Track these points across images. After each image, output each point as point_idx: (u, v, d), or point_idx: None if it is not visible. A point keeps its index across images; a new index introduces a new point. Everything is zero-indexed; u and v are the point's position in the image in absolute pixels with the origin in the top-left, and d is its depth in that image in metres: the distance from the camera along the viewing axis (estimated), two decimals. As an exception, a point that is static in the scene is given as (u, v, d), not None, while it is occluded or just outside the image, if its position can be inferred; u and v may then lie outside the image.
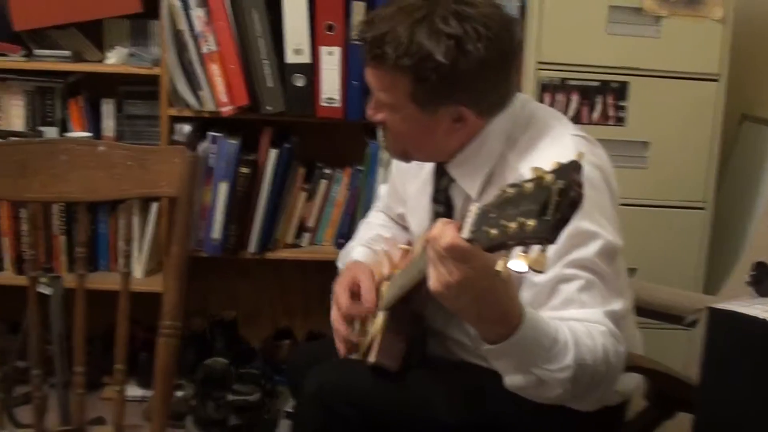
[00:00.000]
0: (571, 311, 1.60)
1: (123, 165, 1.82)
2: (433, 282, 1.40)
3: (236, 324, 3.42)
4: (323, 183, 3.15)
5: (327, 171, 3.15)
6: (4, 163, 1.81)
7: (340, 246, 3.15)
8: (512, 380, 1.56)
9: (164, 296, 1.84)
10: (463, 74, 1.66)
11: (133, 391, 3.18)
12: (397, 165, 2.10)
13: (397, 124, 1.78)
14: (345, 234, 3.13)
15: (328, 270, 3.20)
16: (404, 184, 2.05)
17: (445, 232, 1.34)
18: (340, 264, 2.14)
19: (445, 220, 1.38)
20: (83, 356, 1.95)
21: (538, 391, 1.56)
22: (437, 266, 1.38)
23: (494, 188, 1.71)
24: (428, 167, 1.94)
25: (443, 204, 1.89)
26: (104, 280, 3.12)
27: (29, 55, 3.10)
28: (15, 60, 3.09)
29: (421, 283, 1.54)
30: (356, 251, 2.10)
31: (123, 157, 1.83)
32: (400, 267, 1.92)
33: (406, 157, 1.88)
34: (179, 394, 3.09)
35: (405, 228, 2.12)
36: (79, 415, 1.94)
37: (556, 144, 1.73)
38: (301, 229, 3.20)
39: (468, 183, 1.81)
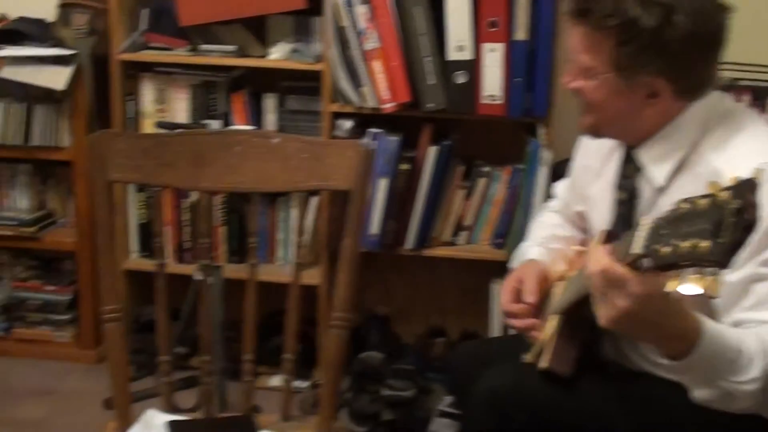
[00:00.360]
0: (764, 313, 1.53)
1: (297, 157, 1.83)
2: (602, 318, 1.40)
3: (390, 320, 3.42)
4: (482, 181, 3.12)
5: (486, 169, 3.12)
6: (181, 153, 1.84)
7: (497, 246, 3.12)
8: (699, 394, 1.52)
9: (336, 289, 1.84)
10: (666, 44, 1.62)
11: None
12: (579, 162, 2.06)
13: (592, 91, 1.74)
14: (502, 234, 3.10)
15: (483, 269, 3.20)
16: (585, 186, 2.00)
17: (597, 257, 1.32)
18: (515, 265, 2.11)
19: (597, 245, 1.36)
20: (252, 344, 1.95)
21: (727, 404, 1.51)
22: (602, 300, 1.37)
23: (684, 179, 1.67)
24: (613, 165, 1.89)
25: (627, 191, 1.83)
26: (263, 272, 3.16)
27: (195, 49, 3.17)
28: (181, 54, 3.16)
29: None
30: (531, 251, 2.07)
31: (297, 149, 1.84)
32: (575, 268, 1.87)
33: (596, 132, 1.83)
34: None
35: (582, 229, 2.07)
36: (246, 402, 1.96)
37: (755, 140, 1.67)
38: (458, 227, 3.18)
39: (657, 169, 1.74)
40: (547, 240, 2.08)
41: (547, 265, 1.98)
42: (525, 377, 1.83)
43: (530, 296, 1.90)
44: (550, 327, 1.84)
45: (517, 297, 1.93)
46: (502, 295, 1.96)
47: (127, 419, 1.86)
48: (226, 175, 1.84)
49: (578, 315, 1.74)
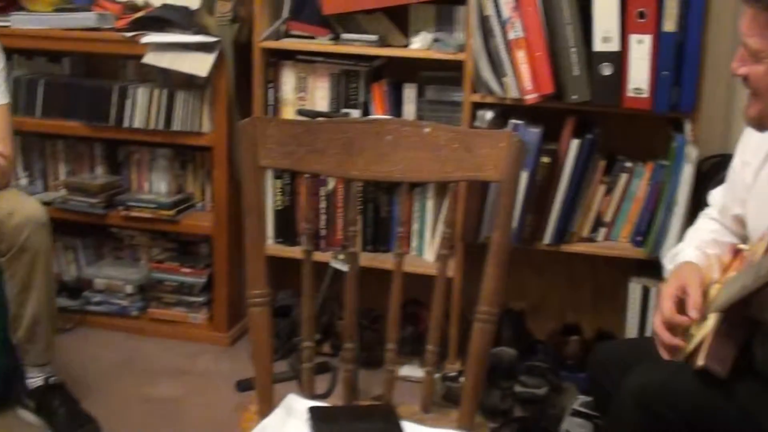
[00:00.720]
0: None
1: (449, 147, 1.80)
2: None
3: (524, 315, 3.37)
4: (623, 177, 3.04)
5: (628, 164, 3.04)
6: (331, 141, 1.83)
7: (636, 244, 3.04)
8: None
9: (483, 282, 1.81)
10: None
11: (417, 372, 3.19)
12: (737, 159, 1.98)
13: (759, 77, 1.68)
14: (642, 232, 3.02)
15: (621, 267, 3.12)
16: (744, 186, 1.93)
17: None
18: (667, 263, 2.04)
19: None
20: (353, 333, 1.95)
21: None
22: None
23: None
24: None
25: None
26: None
27: (336, 38, 3.17)
28: (323, 43, 3.17)
29: (765, 286, 1.43)
30: (687, 252, 1.99)
31: (449, 139, 1.81)
32: (732, 270, 1.80)
33: (762, 122, 1.76)
34: (463, 380, 3.07)
35: (741, 237, 1.99)
36: (388, 392, 1.95)
37: None
38: (597, 223, 3.10)
39: None
40: (704, 244, 2.00)
41: (703, 269, 1.90)
42: (676, 375, 1.77)
43: (695, 311, 1.80)
44: (707, 326, 1.76)
45: (680, 306, 1.85)
46: (663, 300, 1.87)
47: (269, 403, 1.86)
48: (376, 164, 1.82)
49: (739, 313, 1.67)
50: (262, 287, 1.87)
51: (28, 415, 2.88)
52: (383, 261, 3.18)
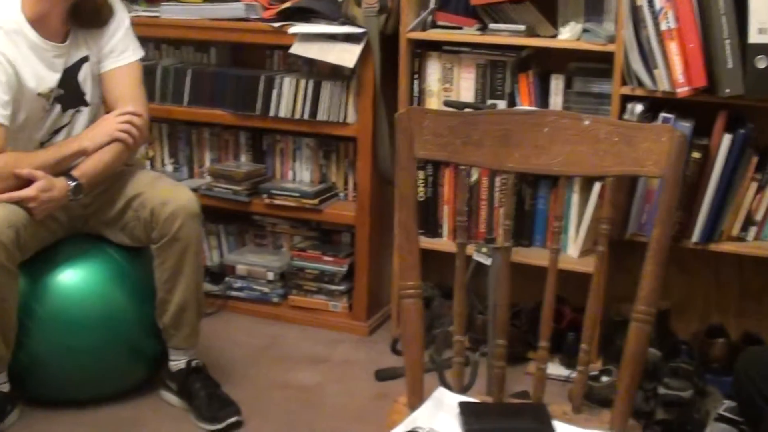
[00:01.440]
0: None
1: (608, 141, 1.76)
2: None
3: (668, 315, 3.29)
4: (777, 174, 2.93)
5: (782, 161, 2.94)
6: (488, 132, 1.81)
7: (788, 244, 2.93)
8: None
9: (641, 281, 1.76)
10: None
11: (558, 370, 3.15)
12: None
13: None
14: (795, 231, 2.91)
15: (769, 269, 3.02)
16: None
17: None
18: None
19: None
20: (505, 330, 1.92)
21: None
22: None
23: None
24: None
25: None
26: (537, 256, 3.13)
27: (484, 28, 3.14)
28: (470, 33, 3.14)
29: None
30: None
31: (609, 132, 1.76)
32: None
33: None
34: (605, 379, 3.02)
35: None
36: (538, 390, 1.91)
37: None
38: (748, 222, 3.00)
39: None
40: None
41: None
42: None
43: None
44: None
45: None
46: None
47: (419, 395, 1.85)
48: (534, 157, 1.79)
49: None
50: (414, 279, 1.85)
51: (170, 397, 2.95)
52: (526, 255, 3.14)
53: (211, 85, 3.55)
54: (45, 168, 2.65)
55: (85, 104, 2.87)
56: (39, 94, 2.75)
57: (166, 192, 2.80)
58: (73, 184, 2.69)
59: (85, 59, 2.82)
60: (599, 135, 1.76)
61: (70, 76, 2.80)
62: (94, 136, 2.75)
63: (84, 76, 2.84)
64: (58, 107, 2.82)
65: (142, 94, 2.90)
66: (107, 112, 2.86)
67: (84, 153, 2.73)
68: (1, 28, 2.67)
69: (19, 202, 2.62)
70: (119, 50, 2.85)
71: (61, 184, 2.68)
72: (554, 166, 1.79)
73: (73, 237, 2.93)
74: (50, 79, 2.75)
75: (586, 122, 1.78)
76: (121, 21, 2.87)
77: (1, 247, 2.55)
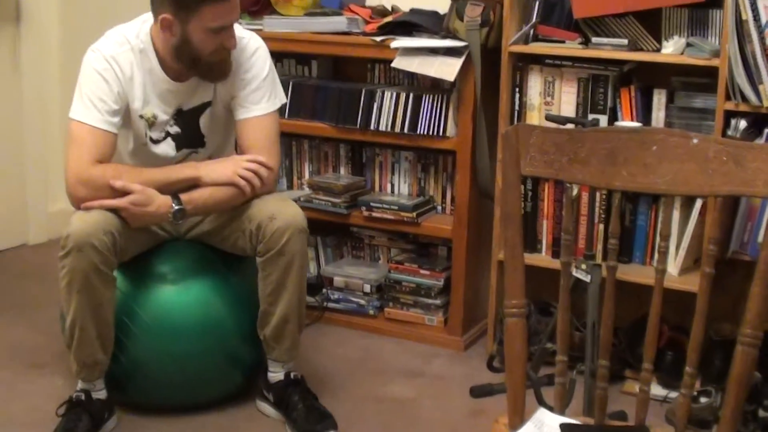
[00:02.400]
0: None
1: (717, 160, 1.72)
2: None
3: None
4: None
5: None
6: (595, 150, 1.79)
7: None
8: None
9: (748, 303, 1.72)
10: None
11: (655, 389, 3.09)
12: None
13: None
14: None
15: None
16: None
17: None
18: None
19: None
20: (609, 350, 1.89)
21: None
22: None
23: None
24: None
25: None
26: (637, 273, 3.09)
27: (586, 42, 3.11)
28: (572, 47, 3.11)
29: None
30: None
31: (717, 151, 1.73)
32: None
33: None
34: (704, 400, 2.96)
35: None
36: (641, 412, 1.87)
37: None
38: None
39: None
40: None
41: None
42: None
43: None
44: None
45: None
46: None
47: (521, 416, 1.84)
48: (641, 175, 1.77)
49: None
50: (518, 297, 1.84)
51: (266, 408, 2.98)
52: (625, 272, 3.09)
53: (313, 98, 3.58)
54: (150, 185, 2.71)
55: (203, 146, 2.94)
56: (141, 116, 2.82)
57: (274, 206, 2.81)
58: (177, 207, 2.73)
59: (207, 104, 2.88)
60: (708, 154, 1.73)
61: (190, 118, 2.87)
62: (213, 171, 2.78)
63: (205, 120, 2.91)
64: (170, 143, 2.89)
65: (273, 146, 2.91)
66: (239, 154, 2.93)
67: (196, 182, 2.77)
68: (129, 42, 2.78)
69: (115, 210, 2.68)
70: (254, 101, 2.87)
71: (164, 202, 2.72)
72: (662, 185, 1.77)
73: (175, 242, 2.98)
74: (157, 108, 2.83)
75: (695, 141, 1.75)
76: (260, 72, 2.89)
77: (97, 253, 2.60)
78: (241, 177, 2.76)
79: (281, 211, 2.79)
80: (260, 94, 2.88)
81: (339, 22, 3.44)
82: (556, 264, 3.12)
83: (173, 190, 2.75)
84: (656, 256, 3.16)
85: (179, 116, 2.87)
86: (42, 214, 4.75)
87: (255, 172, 2.78)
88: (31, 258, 4.54)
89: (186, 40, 2.70)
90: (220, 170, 2.78)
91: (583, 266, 2.94)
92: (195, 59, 2.74)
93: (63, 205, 4.74)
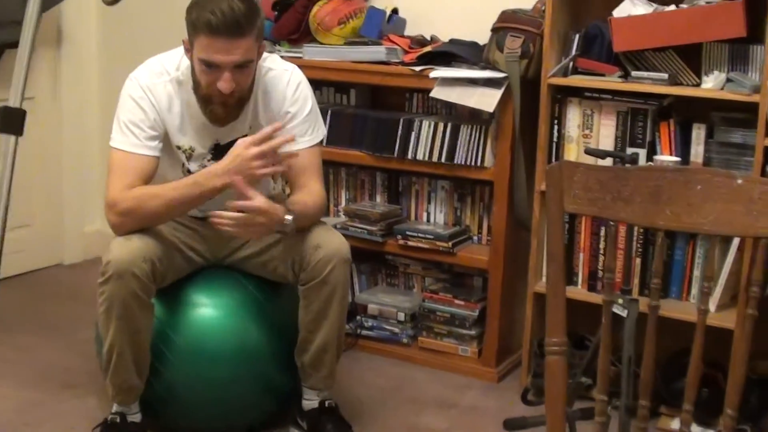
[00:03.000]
0: None
1: (763, 201, 1.70)
2: None
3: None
4: None
5: None
6: (639, 188, 1.78)
7: None
8: None
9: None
10: None
11: (692, 427, 3.05)
12: None
13: None
14: None
15: None
16: None
17: None
18: None
19: None
20: (650, 390, 1.87)
21: None
22: None
23: None
24: None
25: None
26: (674, 308, 3.07)
27: (625, 76, 3.11)
28: (612, 81, 3.11)
29: None
30: None
31: (763, 192, 1.71)
32: None
33: None
34: (741, 439, 2.93)
35: None
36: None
37: None
38: None
39: None
40: None
41: None
42: None
43: None
44: None
45: None
46: None
47: (559, 454, 1.83)
48: (685, 215, 1.75)
49: None
50: (560, 335, 1.84)
51: (300, 435, 2.98)
52: (662, 308, 3.04)
53: (351, 126, 3.60)
54: (185, 201, 2.72)
55: None
56: (178, 147, 2.85)
57: (319, 236, 2.81)
58: (290, 218, 2.72)
59: (243, 137, 2.86)
60: (753, 195, 1.72)
61: (225, 152, 2.84)
62: (239, 171, 2.68)
63: None
64: None
65: (318, 177, 2.93)
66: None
67: (228, 187, 2.70)
68: (168, 73, 2.80)
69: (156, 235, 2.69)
70: (299, 134, 2.86)
71: (279, 215, 2.70)
72: (705, 225, 1.75)
73: (212, 268, 2.99)
74: (195, 141, 2.86)
75: (739, 181, 1.73)
76: (304, 106, 2.90)
77: (136, 280, 2.62)
78: (230, 225, 2.65)
79: (326, 241, 2.79)
80: (304, 128, 2.89)
81: (378, 52, 3.45)
82: (591, 297, 3.15)
83: (207, 200, 2.74)
84: (693, 290, 3.15)
85: (217, 150, 2.87)
86: (78, 235, 4.79)
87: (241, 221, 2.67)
88: (66, 278, 4.58)
89: (193, 66, 2.72)
90: (246, 167, 2.67)
91: (620, 301, 2.93)
92: (197, 90, 2.75)
93: (99, 225, 4.82)
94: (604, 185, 1.79)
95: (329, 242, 2.79)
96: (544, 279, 3.32)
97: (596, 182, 1.80)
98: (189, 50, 2.70)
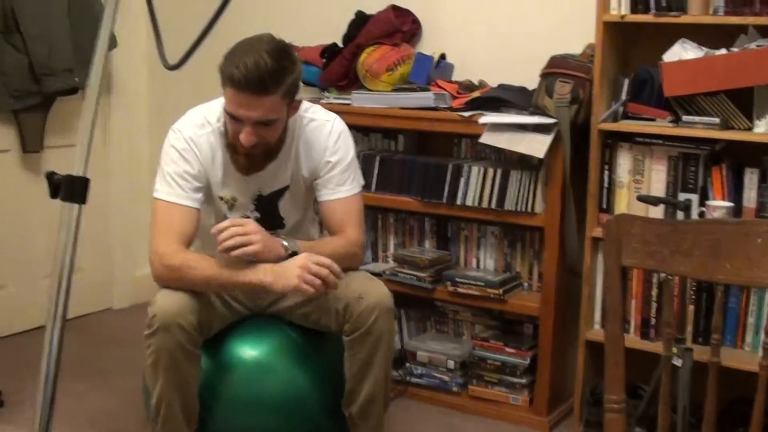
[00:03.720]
0: None
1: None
2: None
3: None
4: None
5: None
6: (697, 242, 1.75)
7: None
8: None
9: None
10: None
11: (749, 476, 2.99)
12: None
13: None
14: None
15: None
16: None
17: None
18: None
19: None
20: None
21: None
22: None
23: None
24: None
25: None
26: (729, 357, 2.99)
27: (677, 120, 3.08)
28: (662, 125, 3.08)
29: None
30: None
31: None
32: None
33: None
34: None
35: None
36: None
37: None
38: None
39: None
40: None
41: None
42: None
43: None
44: None
45: None
46: None
47: None
48: (746, 269, 1.72)
49: None
50: (619, 393, 1.80)
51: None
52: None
53: (399, 172, 3.60)
54: (216, 283, 2.68)
55: (282, 227, 2.95)
56: (221, 198, 2.86)
57: (361, 286, 2.79)
58: (287, 243, 2.72)
59: (285, 188, 2.90)
60: (813, 248, 1.69)
61: (269, 202, 2.88)
62: (280, 277, 2.64)
63: (285, 203, 2.92)
64: None
65: (359, 225, 2.92)
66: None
67: (264, 288, 2.69)
68: (210, 124, 2.81)
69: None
70: (339, 182, 2.88)
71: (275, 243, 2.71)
72: (767, 279, 1.72)
73: (257, 317, 2.98)
74: (237, 191, 2.87)
75: (801, 234, 1.70)
76: (345, 155, 2.90)
77: (183, 332, 2.61)
78: (304, 282, 2.63)
79: (369, 291, 2.77)
80: (345, 176, 2.89)
81: (426, 98, 3.45)
82: (644, 345, 3.10)
83: (237, 290, 2.74)
84: (747, 338, 3.10)
85: (259, 201, 2.89)
86: (127, 280, 4.83)
87: (316, 275, 2.65)
88: (115, 322, 4.60)
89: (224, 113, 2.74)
90: (287, 276, 2.64)
91: (674, 350, 2.88)
92: (226, 136, 2.77)
93: (148, 270, 4.82)
94: (663, 239, 1.77)
95: (372, 292, 2.76)
96: (596, 326, 3.29)
97: (654, 236, 1.77)
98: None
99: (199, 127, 2.81)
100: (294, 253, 2.70)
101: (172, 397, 2.68)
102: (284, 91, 2.63)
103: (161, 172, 2.79)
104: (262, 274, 2.64)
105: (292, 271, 2.63)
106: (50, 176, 1.82)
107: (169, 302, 2.63)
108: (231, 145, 2.77)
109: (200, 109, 2.86)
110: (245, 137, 2.65)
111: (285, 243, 2.72)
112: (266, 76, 2.55)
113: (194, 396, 2.74)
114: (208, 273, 2.66)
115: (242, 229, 2.63)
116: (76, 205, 1.79)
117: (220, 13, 1.68)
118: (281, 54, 2.61)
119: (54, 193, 1.81)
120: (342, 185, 2.89)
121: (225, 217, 2.86)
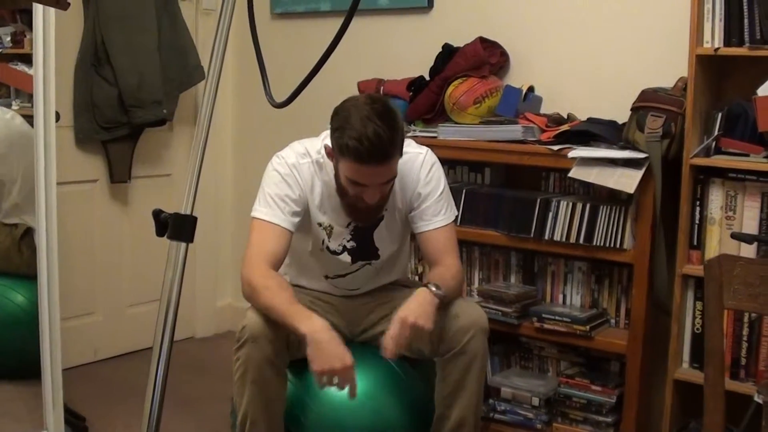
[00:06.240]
0: None
1: None
2: None
3: None
4: None
5: None
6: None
7: None
8: None
9: None
10: None
11: None
12: None
13: None
14: None
15: None
16: None
17: None
18: None
19: None
20: None
21: None
22: None
23: None
24: None
25: None
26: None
27: (771, 156, 3.01)
28: (756, 161, 3.01)
29: None
30: None
31: None
32: None
33: None
34: None
35: None
36: None
37: None
38: None
39: None
40: None
41: None
42: None
43: None
44: None
45: None
46: None
47: None
48: None
49: None
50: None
51: None
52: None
53: (486, 206, 3.57)
54: (274, 314, 2.69)
55: (377, 258, 3.00)
56: (319, 224, 2.91)
57: (456, 306, 2.84)
58: (433, 287, 2.76)
59: (380, 219, 2.96)
60: None
61: (364, 232, 2.95)
62: (320, 352, 2.61)
63: (380, 234, 2.99)
64: (347, 256, 2.97)
65: (454, 254, 2.98)
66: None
67: (302, 340, 2.69)
68: (310, 155, 2.89)
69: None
70: (434, 213, 2.96)
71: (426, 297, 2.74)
72: None
73: (347, 344, 2.96)
74: (333, 220, 2.92)
75: None
76: (437, 186, 2.98)
77: (271, 345, 2.66)
78: (324, 384, 2.62)
79: (465, 311, 2.82)
80: (439, 207, 2.96)
81: (514, 131, 3.42)
82: (733, 386, 3.01)
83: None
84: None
85: (355, 231, 2.95)
86: (210, 309, 4.88)
87: (398, 337, 2.67)
88: (197, 352, 4.64)
89: (337, 173, 2.81)
90: (323, 359, 2.60)
91: (761, 390, 2.80)
92: (342, 195, 2.85)
93: (230, 300, 4.89)
94: (766, 280, 1.72)
95: (468, 312, 2.81)
96: (684, 365, 3.21)
97: (757, 277, 1.73)
98: (332, 156, 2.80)
99: (301, 156, 2.90)
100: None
101: (258, 414, 2.71)
102: (400, 148, 2.74)
103: (262, 193, 2.87)
104: (319, 335, 2.61)
105: (332, 356, 2.60)
106: (157, 214, 1.83)
107: (259, 315, 2.70)
108: (350, 204, 2.86)
109: (303, 141, 2.96)
110: (370, 197, 2.76)
111: (433, 289, 2.75)
112: (388, 145, 2.66)
113: (280, 416, 2.78)
114: (270, 302, 2.69)
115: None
116: (183, 244, 1.80)
117: (329, 53, 1.70)
118: (392, 116, 2.69)
119: (161, 231, 1.82)
120: (437, 215, 2.95)
121: (324, 245, 2.90)
